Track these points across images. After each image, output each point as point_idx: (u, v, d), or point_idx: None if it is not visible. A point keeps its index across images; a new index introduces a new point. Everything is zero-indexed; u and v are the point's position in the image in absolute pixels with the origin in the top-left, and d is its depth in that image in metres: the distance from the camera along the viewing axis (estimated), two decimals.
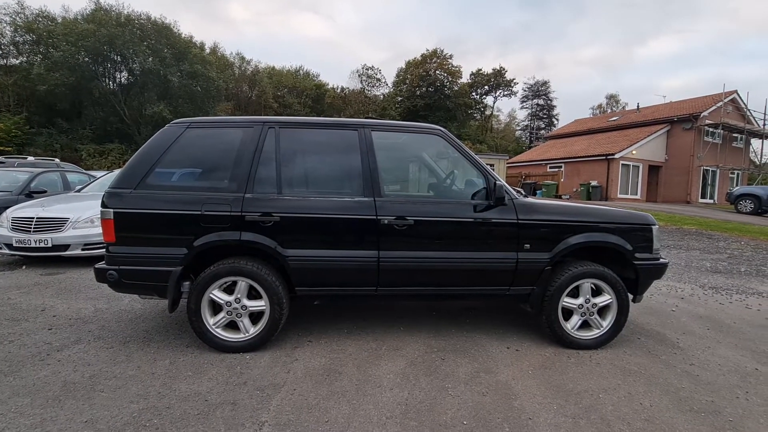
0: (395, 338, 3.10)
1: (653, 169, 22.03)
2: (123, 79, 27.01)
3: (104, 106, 25.36)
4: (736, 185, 22.33)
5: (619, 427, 2.04)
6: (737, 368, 2.77)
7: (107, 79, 26.24)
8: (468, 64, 58.86)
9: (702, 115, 20.57)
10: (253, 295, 2.76)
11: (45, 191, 7.05)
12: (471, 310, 3.82)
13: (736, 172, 23.52)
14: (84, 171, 10.60)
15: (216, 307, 2.76)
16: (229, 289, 2.74)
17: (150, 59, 24.87)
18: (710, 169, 22.01)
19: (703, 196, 22.13)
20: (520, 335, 3.22)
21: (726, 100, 21.19)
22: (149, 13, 26.63)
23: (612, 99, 54.91)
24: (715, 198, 22.31)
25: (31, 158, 11.49)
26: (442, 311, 3.77)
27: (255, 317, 2.79)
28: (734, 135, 22.63)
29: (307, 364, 2.63)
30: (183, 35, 28.12)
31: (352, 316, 3.54)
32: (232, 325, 2.78)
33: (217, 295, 2.71)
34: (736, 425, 2.09)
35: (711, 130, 21.12)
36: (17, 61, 25.11)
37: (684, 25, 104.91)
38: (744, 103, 22.29)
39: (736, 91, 22.08)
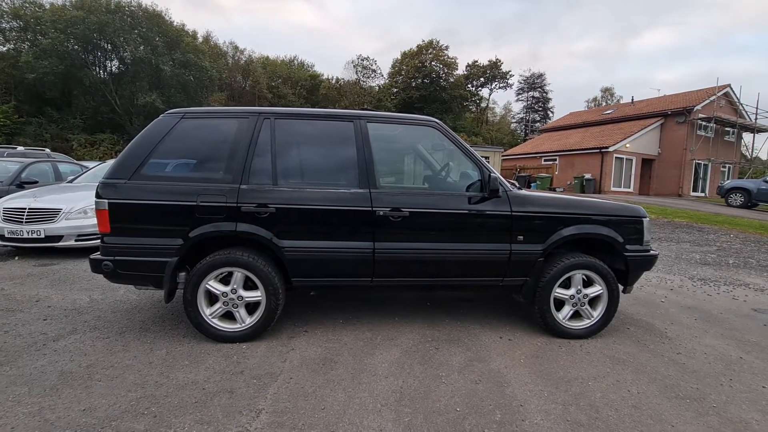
0: (390, 328, 3.14)
1: (646, 163, 22.21)
2: (114, 68, 26.53)
3: (95, 95, 24.95)
4: (728, 179, 22.59)
5: (607, 414, 2.10)
6: (722, 357, 2.85)
7: (98, 68, 25.76)
8: (463, 55, 58.80)
9: (695, 108, 20.70)
10: (249, 285, 2.77)
11: (36, 182, 6.95)
12: (465, 301, 3.87)
13: (727, 165, 23.80)
14: (75, 161, 10.46)
15: (212, 298, 2.78)
16: (225, 280, 2.76)
17: (141, 48, 24.44)
18: (702, 162, 22.24)
19: (695, 190, 22.38)
20: (513, 325, 3.28)
21: (719, 94, 21.31)
22: None
23: (607, 92, 55.06)
24: (707, 191, 22.57)
25: (21, 148, 11.32)
26: (437, 302, 3.82)
27: (251, 307, 2.81)
28: (726, 129, 22.81)
29: (303, 354, 2.66)
30: (175, 23, 27.69)
31: (348, 307, 3.57)
32: (228, 316, 2.80)
33: (214, 285, 2.72)
34: (720, 411, 2.17)
35: (704, 123, 21.26)
36: (4, 48, 24.57)
37: (677, 17, 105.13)
38: (737, 97, 22.40)
39: (729, 85, 22.19)
